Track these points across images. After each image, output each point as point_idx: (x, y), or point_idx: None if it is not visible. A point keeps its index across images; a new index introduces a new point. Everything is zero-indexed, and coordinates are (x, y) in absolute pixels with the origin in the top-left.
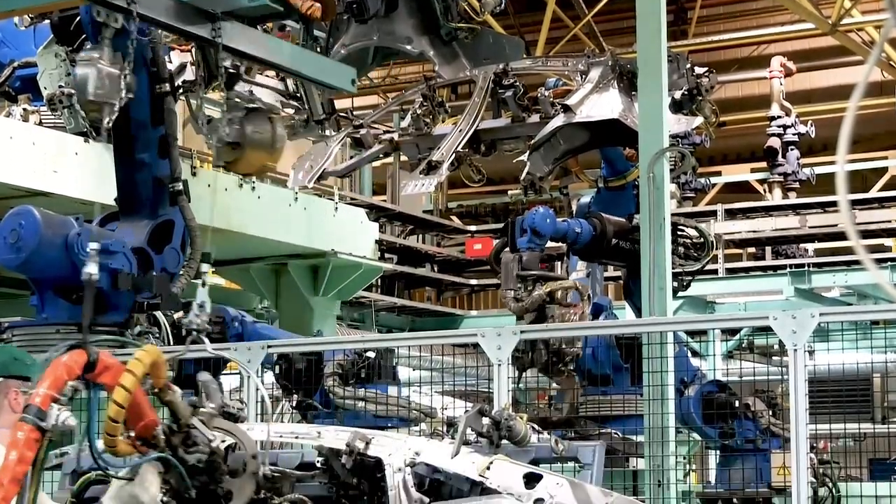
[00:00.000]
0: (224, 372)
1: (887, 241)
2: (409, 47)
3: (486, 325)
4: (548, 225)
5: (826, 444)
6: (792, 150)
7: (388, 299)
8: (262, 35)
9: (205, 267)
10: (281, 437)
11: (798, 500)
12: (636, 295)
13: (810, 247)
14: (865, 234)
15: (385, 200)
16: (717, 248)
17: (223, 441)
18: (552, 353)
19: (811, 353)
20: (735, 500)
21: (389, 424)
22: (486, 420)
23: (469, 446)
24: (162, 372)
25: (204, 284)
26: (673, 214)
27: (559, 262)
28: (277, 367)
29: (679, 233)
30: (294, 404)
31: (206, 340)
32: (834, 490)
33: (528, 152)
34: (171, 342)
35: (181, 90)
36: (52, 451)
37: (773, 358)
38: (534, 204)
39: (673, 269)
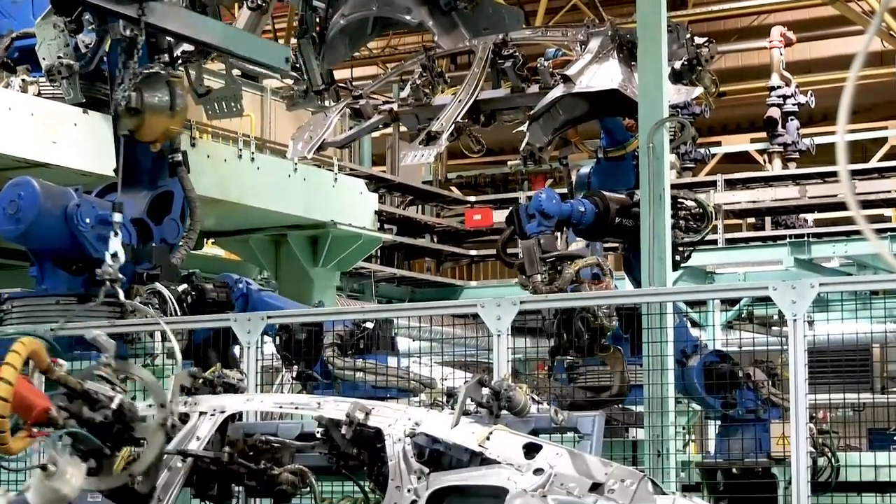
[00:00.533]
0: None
1: (887, 212)
2: (408, 17)
3: (486, 295)
4: (554, 205)
5: (825, 414)
6: (792, 120)
7: (388, 270)
8: (191, 14)
9: (117, 217)
10: (281, 407)
11: (797, 470)
12: (636, 269)
13: (810, 217)
14: (865, 205)
15: (384, 171)
16: (716, 219)
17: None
18: (592, 331)
19: (811, 323)
20: (734, 470)
21: (389, 395)
22: (485, 391)
23: (469, 417)
24: (42, 357)
25: (117, 234)
26: (672, 185)
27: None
28: (278, 338)
29: (678, 204)
30: (294, 375)
31: (120, 291)
32: (833, 460)
33: (527, 123)
34: (177, 313)
35: (180, 61)
36: None
37: (773, 328)
38: (533, 174)
39: (673, 240)
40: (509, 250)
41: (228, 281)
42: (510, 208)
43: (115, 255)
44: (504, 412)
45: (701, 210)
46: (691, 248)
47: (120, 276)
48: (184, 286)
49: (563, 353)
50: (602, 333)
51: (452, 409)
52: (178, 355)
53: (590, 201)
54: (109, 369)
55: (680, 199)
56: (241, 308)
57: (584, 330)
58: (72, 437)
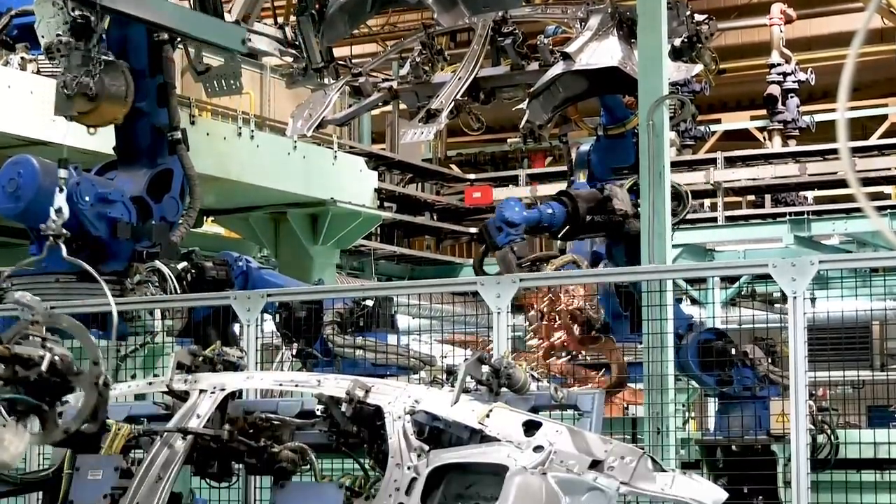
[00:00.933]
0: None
1: (887, 189)
2: None
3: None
4: (517, 213)
5: (825, 392)
6: (792, 97)
7: (388, 248)
8: None
9: (62, 173)
10: (281, 385)
11: (797, 447)
12: (619, 260)
13: (810, 194)
14: (865, 182)
15: (384, 149)
16: (689, 203)
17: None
18: (581, 324)
19: (813, 300)
20: (734, 448)
21: (389, 373)
22: (485, 368)
23: (469, 394)
24: None
25: (62, 190)
26: (672, 163)
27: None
28: (277, 316)
29: None
30: (294, 353)
31: (63, 246)
32: (833, 437)
33: (527, 100)
34: (177, 291)
35: (179, 39)
36: None
37: (776, 306)
38: (533, 152)
39: None
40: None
41: (228, 259)
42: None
43: (59, 211)
44: (504, 390)
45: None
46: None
47: (64, 231)
48: (183, 264)
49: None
50: (591, 326)
51: (452, 386)
52: None
53: (558, 203)
54: (38, 327)
55: None
56: (241, 286)
57: (575, 323)
58: (8, 402)
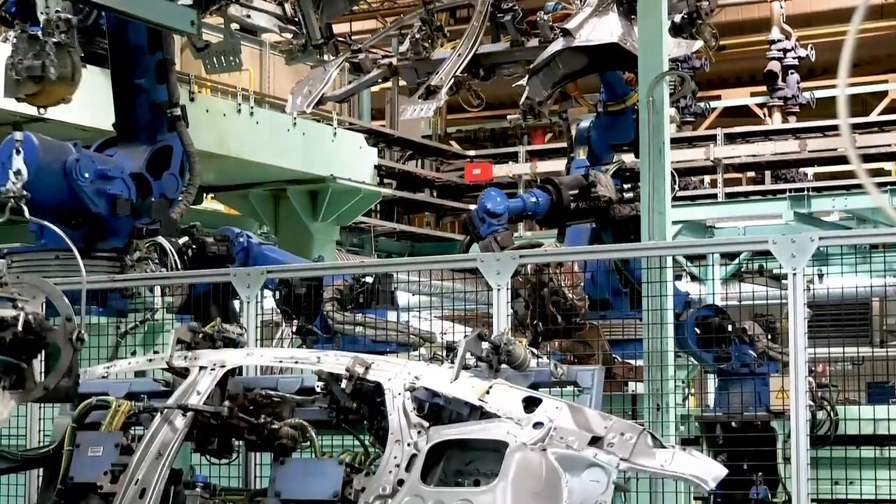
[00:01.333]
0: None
1: (887, 165)
2: None
3: None
4: (499, 203)
5: (825, 368)
6: (792, 73)
7: (388, 224)
8: None
9: (18, 136)
10: (281, 361)
11: (796, 424)
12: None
13: (810, 171)
14: (865, 158)
15: (384, 125)
16: (676, 183)
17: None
18: (565, 311)
19: (820, 276)
20: (734, 424)
21: (389, 349)
22: (485, 345)
23: (468, 371)
24: None
25: (19, 152)
26: (672, 139)
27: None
28: (277, 293)
29: (628, 174)
30: (294, 329)
31: (25, 207)
32: (832, 413)
33: (527, 77)
34: (178, 266)
35: None
36: None
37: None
38: (533, 128)
39: (635, 212)
40: None
41: (229, 234)
42: (464, 216)
43: (17, 173)
44: (503, 366)
45: None
46: None
47: (24, 193)
48: (184, 238)
49: (540, 340)
50: (576, 314)
51: (452, 363)
52: None
53: (542, 190)
54: (6, 288)
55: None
56: (242, 262)
57: (557, 312)
58: None
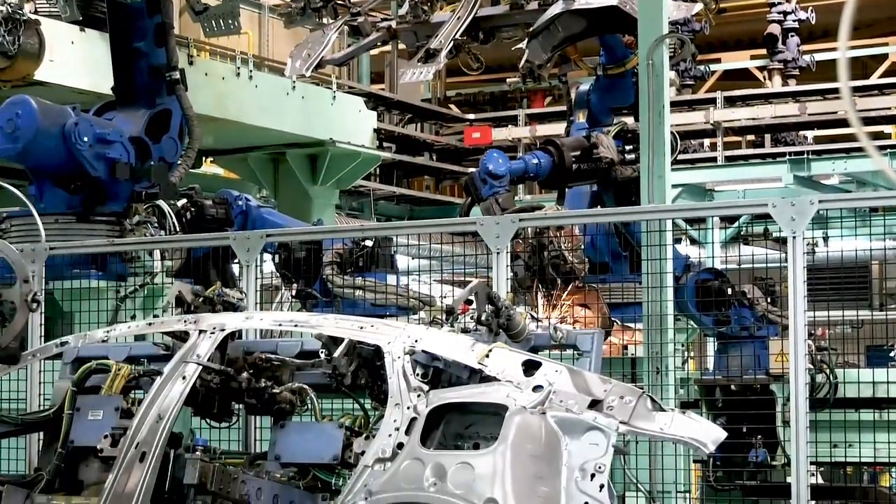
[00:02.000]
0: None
1: (887, 129)
2: None
3: None
4: (501, 165)
5: (824, 332)
6: (792, 36)
7: (387, 188)
8: None
9: None
10: (281, 325)
11: (796, 387)
12: (608, 206)
13: (809, 134)
14: (865, 122)
15: (383, 89)
16: (678, 145)
17: None
18: (565, 274)
19: (825, 239)
20: (733, 387)
21: (388, 313)
22: (489, 307)
23: (468, 334)
24: None
25: None
26: (672, 103)
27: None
28: (277, 256)
29: (630, 135)
30: (293, 293)
31: None
32: (831, 376)
33: (526, 40)
34: (176, 228)
35: None
36: (52, 342)
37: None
38: (532, 92)
39: (636, 173)
40: None
41: (228, 197)
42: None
43: None
44: (501, 333)
45: None
46: None
47: None
48: (183, 201)
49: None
50: (575, 276)
51: (452, 326)
52: None
53: (543, 152)
54: None
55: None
56: (241, 225)
57: (556, 275)
58: None
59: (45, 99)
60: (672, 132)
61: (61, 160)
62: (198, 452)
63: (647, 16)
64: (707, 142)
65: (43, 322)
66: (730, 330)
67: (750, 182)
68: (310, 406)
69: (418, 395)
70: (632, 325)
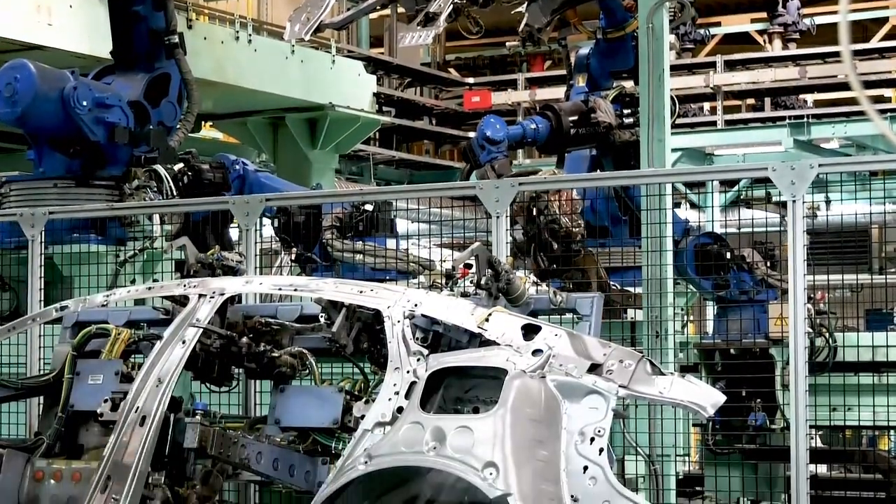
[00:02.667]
0: (232, 225)
1: (887, 92)
2: None
3: None
4: (498, 130)
5: (823, 295)
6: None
7: (387, 152)
8: None
9: None
10: (280, 289)
11: (795, 351)
12: (607, 171)
13: (809, 98)
14: (866, 85)
15: (382, 53)
16: (676, 108)
17: None
18: (562, 238)
19: (828, 203)
20: (732, 351)
21: (388, 277)
22: (489, 270)
23: (468, 298)
24: None
25: None
26: (672, 66)
27: None
28: (276, 221)
29: (628, 99)
30: (293, 257)
31: None
32: (831, 340)
33: (526, 3)
34: (174, 195)
35: None
36: (52, 306)
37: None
38: (532, 55)
39: (635, 137)
40: None
41: (225, 161)
42: (463, 143)
43: None
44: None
45: None
46: None
47: None
48: (180, 165)
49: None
50: (571, 240)
51: (451, 290)
52: None
53: (541, 117)
54: None
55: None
56: (238, 189)
57: (553, 240)
58: None
59: (43, 63)
60: (671, 96)
61: (60, 124)
62: (198, 416)
63: None
64: (707, 106)
65: (42, 286)
66: (729, 294)
67: (750, 146)
68: (310, 370)
69: (418, 360)
70: (631, 289)
